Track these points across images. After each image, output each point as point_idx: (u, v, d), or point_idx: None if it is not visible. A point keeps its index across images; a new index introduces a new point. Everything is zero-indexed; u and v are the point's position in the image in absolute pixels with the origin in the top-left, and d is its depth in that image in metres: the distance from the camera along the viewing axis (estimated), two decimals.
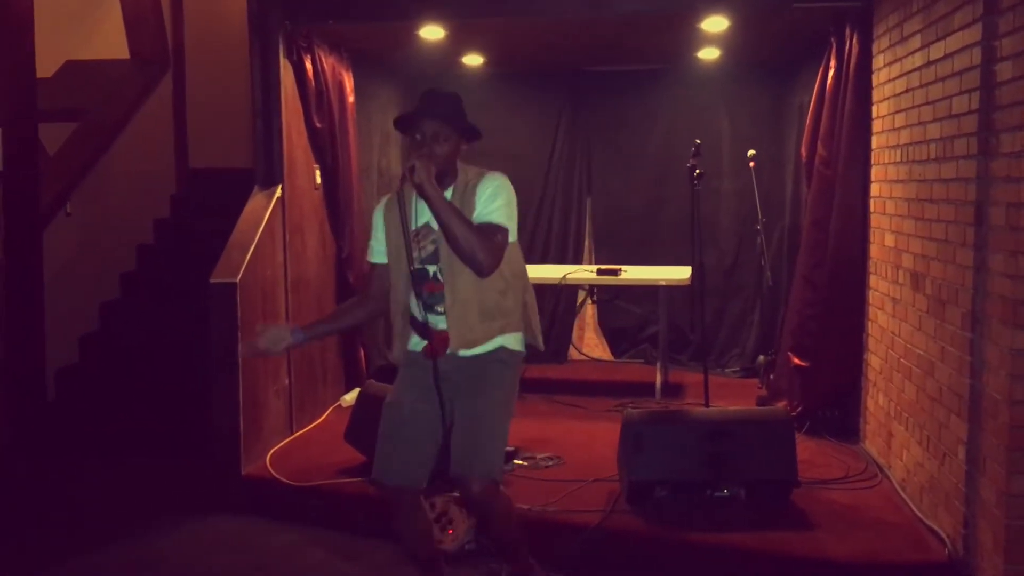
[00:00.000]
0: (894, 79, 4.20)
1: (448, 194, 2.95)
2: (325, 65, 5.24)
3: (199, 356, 4.82)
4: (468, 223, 2.86)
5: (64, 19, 6.92)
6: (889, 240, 4.28)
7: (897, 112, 4.16)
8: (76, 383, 5.78)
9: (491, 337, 3.02)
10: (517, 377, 3.13)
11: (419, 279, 2.97)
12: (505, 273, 2.99)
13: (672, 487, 3.87)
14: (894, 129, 4.21)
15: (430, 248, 3.00)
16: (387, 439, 3.05)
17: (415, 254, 2.96)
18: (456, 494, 3.77)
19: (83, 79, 6.81)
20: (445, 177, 2.97)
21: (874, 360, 4.55)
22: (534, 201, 6.82)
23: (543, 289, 6.74)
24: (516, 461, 4.42)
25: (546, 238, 6.89)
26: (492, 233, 2.90)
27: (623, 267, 5.93)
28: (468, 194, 2.97)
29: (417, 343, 3.05)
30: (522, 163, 6.81)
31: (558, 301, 6.84)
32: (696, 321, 6.38)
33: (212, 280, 4.43)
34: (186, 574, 3.76)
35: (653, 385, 5.81)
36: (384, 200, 3.18)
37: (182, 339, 5.83)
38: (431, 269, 3.00)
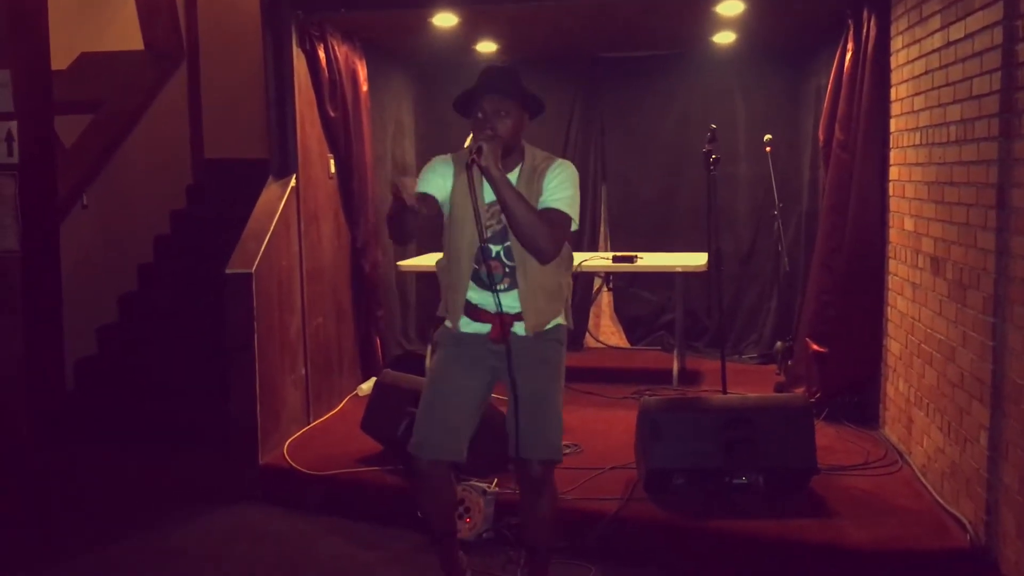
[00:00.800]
0: (913, 61, 4.14)
1: (515, 175, 2.95)
2: (338, 54, 5.23)
3: (216, 346, 4.83)
4: (533, 209, 2.86)
5: (78, 11, 6.95)
6: (908, 224, 4.23)
7: (916, 94, 4.11)
8: (95, 374, 5.82)
9: (555, 316, 3.07)
10: (565, 351, 3.16)
11: (484, 256, 2.98)
12: (563, 254, 3.02)
13: (690, 475, 3.85)
14: (913, 111, 4.16)
15: (497, 227, 2.98)
16: (429, 413, 3.04)
17: (485, 230, 2.94)
18: (474, 482, 3.77)
19: (98, 71, 6.83)
20: (511, 154, 2.97)
21: (894, 346, 4.51)
22: None
23: None
24: None
25: None
26: (556, 222, 2.91)
27: (639, 254, 5.90)
28: (537, 178, 2.97)
29: (472, 325, 3.04)
30: None
31: (574, 289, 6.78)
32: (713, 308, 6.36)
33: (228, 270, 4.43)
34: (205, 564, 3.78)
35: (670, 372, 5.78)
36: (450, 156, 3.08)
37: (199, 329, 5.85)
38: (495, 248, 2.99)
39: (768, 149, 5.51)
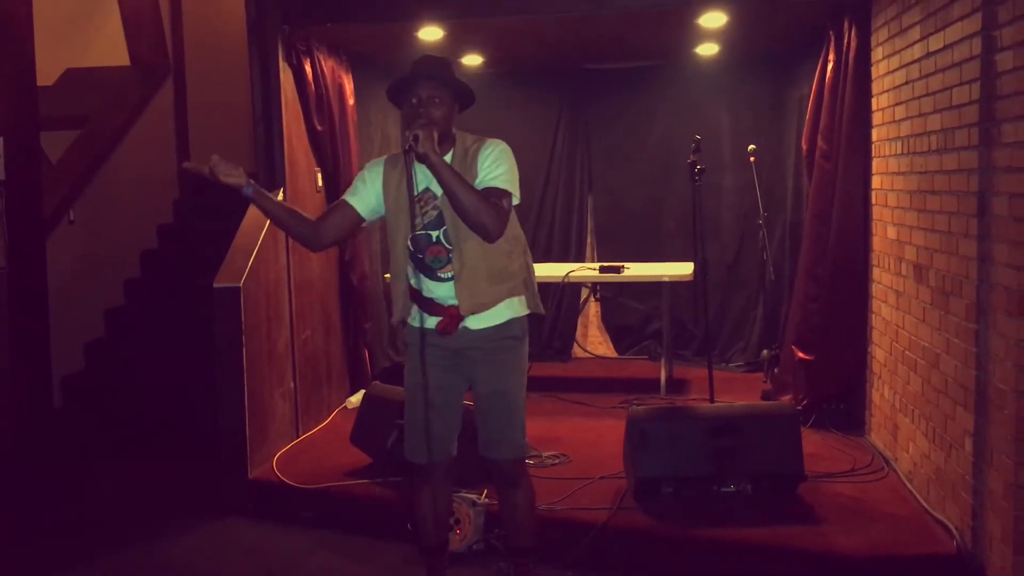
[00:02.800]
0: (894, 71, 4.19)
1: (447, 160, 2.96)
2: (324, 68, 5.25)
3: (205, 360, 4.82)
4: (474, 189, 2.89)
5: (64, 27, 6.94)
6: (891, 232, 4.28)
7: (897, 104, 4.16)
8: (82, 390, 5.80)
9: (499, 300, 3.04)
10: (527, 345, 3.16)
11: (421, 244, 3.00)
12: (508, 236, 3.01)
13: (678, 483, 3.87)
14: (894, 121, 4.21)
15: (432, 214, 3.00)
16: (416, 420, 3.10)
17: (417, 219, 2.98)
18: (464, 493, 3.77)
19: (84, 87, 6.82)
20: (444, 142, 2.98)
21: (879, 353, 4.55)
22: (535, 200, 6.82)
23: (546, 288, 6.72)
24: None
25: (548, 236, 6.89)
26: (497, 198, 2.93)
27: (625, 264, 5.93)
28: (469, 160, 3.00)
29: (423, 318, 3.05)
30: (522, 162, 6.58)
31: (561, 299, 6.84)
32: (699, 317, 6.38)
33: (216, 284, 4.43)
34: None
35: (658, 381, 5.81)
36: (384, 159, 3.15)
37: (187, 344, 5.84)
38: (434, 234, 3.01)
39: (752, 159, 5.56)
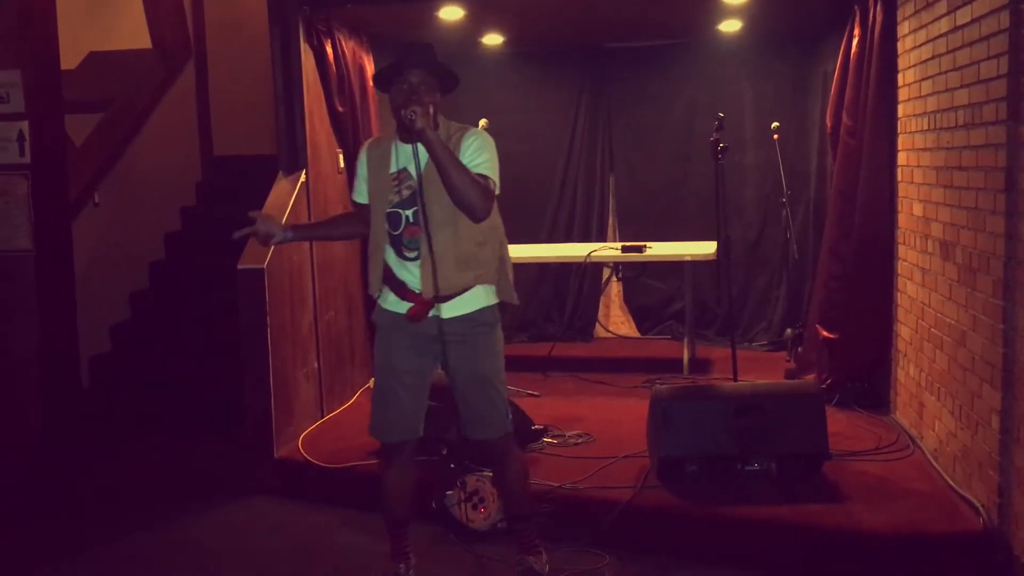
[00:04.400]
0: (920, 45, 4.14)
1: None
2: (345, 49, 5.24)
3: (229, 341, 4.87)
4: (466, 169, 2.96)
5: (86, 11, 6.97)
6: (917, 209, 4.24)
7: (924, 79, 4.10)
8: (109, 371, 5.87)
9: (464, 286, 3.09)
10: (500, 329, 3.24)
11: (394, 222, 3.09)
12: (483, 225, 3.07)
13: (702, 462, 3.87)
14: (921, 97, 4.16)
15: (406, 193, 3.08)
16: (383, 399, 3.21)
17: (391, 197, 3.08)
18: (488, 473, 3.79)
19: (107, 70, 6.86)
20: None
21: (904, 331, 4.52)
22: (556, 180, 6.80)
23: (568, 268, 6.75)
24: (546, 439, 4.43)
25: (569, 216, 6.87)
26: (483, 183, 3.00)
27: (648, 243, 5.91)
28: (452, 146, 3.05)
29: (395, 302, 3.14)
30: (543, 142, 6.80)
31: (583, 279, 6.84)
32: (722, 296, 6.36)
33: (240, 266, 4.46)
34: (221, 556, 3.82)
35: (680, 361, 5.80)
36: (367, 143, 3.30)
37: (212, 325, 5.89)
38: (405, 213, 3.08)
39: (776, 137, 5.51)
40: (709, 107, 6.14)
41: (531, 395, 5.27)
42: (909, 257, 4.40)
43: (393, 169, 3.10)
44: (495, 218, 3.16)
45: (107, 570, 3.74)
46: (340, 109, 5.23)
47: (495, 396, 3.18)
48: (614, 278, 6.71)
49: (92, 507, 4.40)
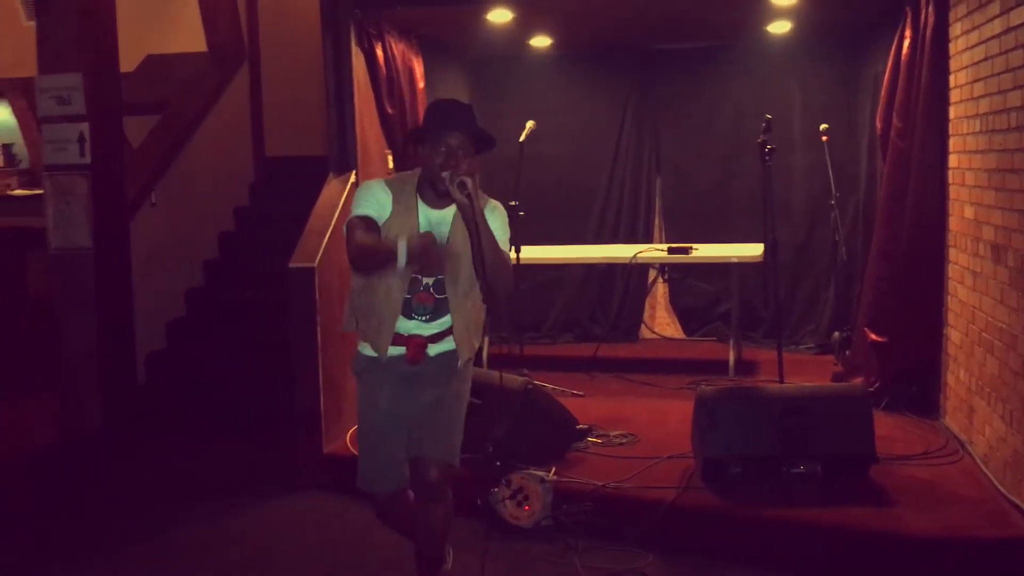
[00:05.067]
0: (972, 47, 4.10)
1: (452, 210, 2.93)
2: (395, 51, 5.32)
3: (281, 338, 4.96)
4: (500, 248, 2.89)
5: (144, 15, 7.14)
6: (969, 212, 4.19)
7: (976, 81, 4.06)
8: (165, 367, 6.01)
9: (476, 344, 3.11)
10: (471, 370, 3.19)
11: (412, 284, 2.96)
12: (478, 289, 2.97)
13: (747, 463, 3.86)
14: (973, 98, 4.11)
15: None
16: (371, 448, 3.08)
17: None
18: (532, 471, 3.83)
19: (163, 73, 7.03)
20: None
21: (954, 335, 4.47)
22: (603, 181, 6.82)
23: (613, 269, 6.76)
24: (590, 439, 4.46)
25: (616, 218, 6.88)
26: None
27: (694, 245, 5.90)
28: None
29: (370, 347, 3.06)
30: (591, 143, 6.83)
31: (629, 280, 6.84)
32: (769, 298, 6.33)
33: (291, 265, 4.55)
34: (272, 548, 3.91)
35: (726, 363, 5.78)
36: (384, 182, 3.04)
37: (264, 322, 6.00)
38: (425, 281, 2.97)
39: (824, 138, 5.48)
40: (757, 109, 6.12)
41: (576, 395, 5.30)
42: (960, 260, 4.35)
43: (422, 228, 2.93)
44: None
45: (173, 560, 3.84)
46: (390, 111, 5.30)
47: (457, 424, 3.06)
48: (660, 279, 6.71)
49: (144, 499, 4.52)
